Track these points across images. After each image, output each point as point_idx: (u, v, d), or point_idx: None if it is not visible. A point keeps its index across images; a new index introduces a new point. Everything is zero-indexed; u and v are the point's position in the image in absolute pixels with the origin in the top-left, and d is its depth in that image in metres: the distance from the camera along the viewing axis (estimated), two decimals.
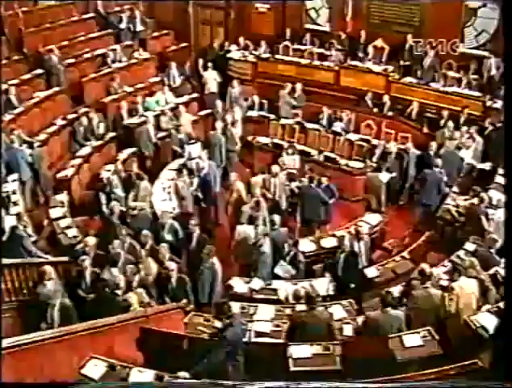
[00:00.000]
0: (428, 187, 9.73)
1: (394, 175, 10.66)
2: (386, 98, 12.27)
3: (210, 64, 13.61)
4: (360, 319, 6.50)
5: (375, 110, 12.39)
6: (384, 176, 10.32)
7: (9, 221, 8.43)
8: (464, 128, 10.72)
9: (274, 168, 9.96)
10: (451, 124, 10.94)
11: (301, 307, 6.41)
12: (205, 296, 7.38)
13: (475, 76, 12.18)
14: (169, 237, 8.35)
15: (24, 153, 9.99)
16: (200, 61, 14.06)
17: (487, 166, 10.30)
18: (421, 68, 12.52)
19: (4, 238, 8.11)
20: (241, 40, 14.47)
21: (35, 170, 10.22)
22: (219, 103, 12.51)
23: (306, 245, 8.62)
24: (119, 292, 6.93)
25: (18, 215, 8.50)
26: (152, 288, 7.29)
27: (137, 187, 9.60)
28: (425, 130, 11.58)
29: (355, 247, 8.01)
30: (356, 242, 8.08)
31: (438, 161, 9.88)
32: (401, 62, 12.94)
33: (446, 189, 9.75)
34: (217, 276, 7.44)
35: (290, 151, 11.08)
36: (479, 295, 6.51)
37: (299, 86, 12.86)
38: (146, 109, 12.48)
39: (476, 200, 8.79)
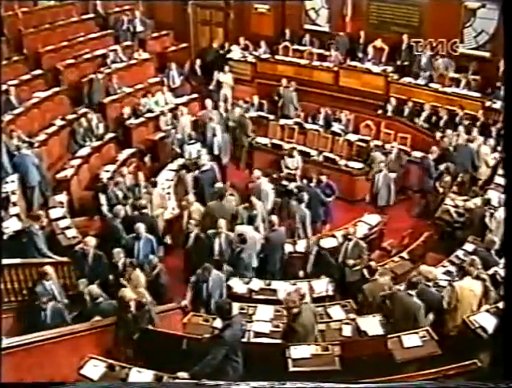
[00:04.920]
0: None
1: (394, 175, 10.73)
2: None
3: (227, 67, 13.66)
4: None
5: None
6: None
7: (11, 222, 8.47)
8: (461, 128, 10.76)
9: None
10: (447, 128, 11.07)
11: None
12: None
13: (474, 76, 12.22)
14: (146, 249, 8.01)
15: (33, 158, 9.96)
16: (198, 61, 14.15)
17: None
18: (419, 68, 12.56)
19: (16, 238, 8.19)
20: (241, 40, 14.50)
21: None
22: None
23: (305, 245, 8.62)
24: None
25: (37, 216, 8.47)
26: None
27: (149, 193, 9.50)
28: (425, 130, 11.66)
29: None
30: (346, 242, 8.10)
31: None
32: (398, 62, 12.99)
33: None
34: (223, 285, 7.24)
35: (293, 153, 11.13)
36: (481, 296, 6.50)
37: (284, 81, 12.99)
38: (147, 110, 12.52)
39: (475, 201, 8.80)
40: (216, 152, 11.24)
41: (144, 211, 8.78)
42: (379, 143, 11.64)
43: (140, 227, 8.06)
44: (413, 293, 6.22)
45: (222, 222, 8.16)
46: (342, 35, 13.70)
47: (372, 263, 7.75)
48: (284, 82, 13.04)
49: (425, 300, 6.38)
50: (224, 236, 8.07)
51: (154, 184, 9.74)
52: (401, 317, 6.21)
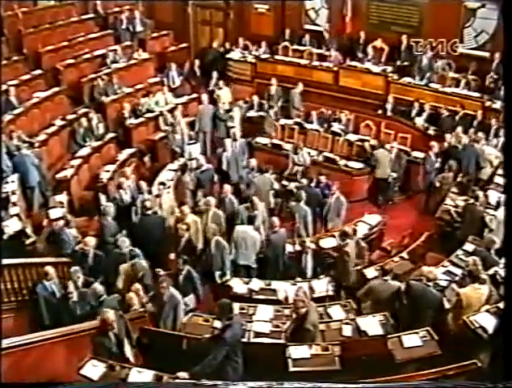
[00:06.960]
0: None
1: (395, 175, 10.73)
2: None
3: (222, 82, 13.47)
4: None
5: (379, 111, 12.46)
6: None
7: (11, 222, 8.46)
8: (459, 129, 10.77)
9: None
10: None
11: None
12: (168, 326, 6.65)
13: (474, 76, 12.22)
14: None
15: (33, 158, 9.98)
16: (197, 62, 14.14)
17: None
18: (419, 69, 12.56)
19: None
20: (241, 40, 14.50)
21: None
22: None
23: None
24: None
25: (67, 220, 8.55)
26: None
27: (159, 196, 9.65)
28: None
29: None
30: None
31: None
32: (398, 62, 12.99)
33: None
34: (179, 305, 6.72)
35: (297, 150, 11.10)
36: (485, 298, 6.47)
37: (274, 81, 13.00)
38: (147, 110, 12.53)
39: (474, 201, 8.80)
40: (224, 167, 10.93)
41: (150, 212, 8.76)
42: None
43: (125, 242, 7.81)
44: (387, 278, 6.69)
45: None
46: (332, 37, 13.75)
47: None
48: (274, 81, 13.03)
49: (425, 299, 6.41)
50: (214, 242, 8.04)
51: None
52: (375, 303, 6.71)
